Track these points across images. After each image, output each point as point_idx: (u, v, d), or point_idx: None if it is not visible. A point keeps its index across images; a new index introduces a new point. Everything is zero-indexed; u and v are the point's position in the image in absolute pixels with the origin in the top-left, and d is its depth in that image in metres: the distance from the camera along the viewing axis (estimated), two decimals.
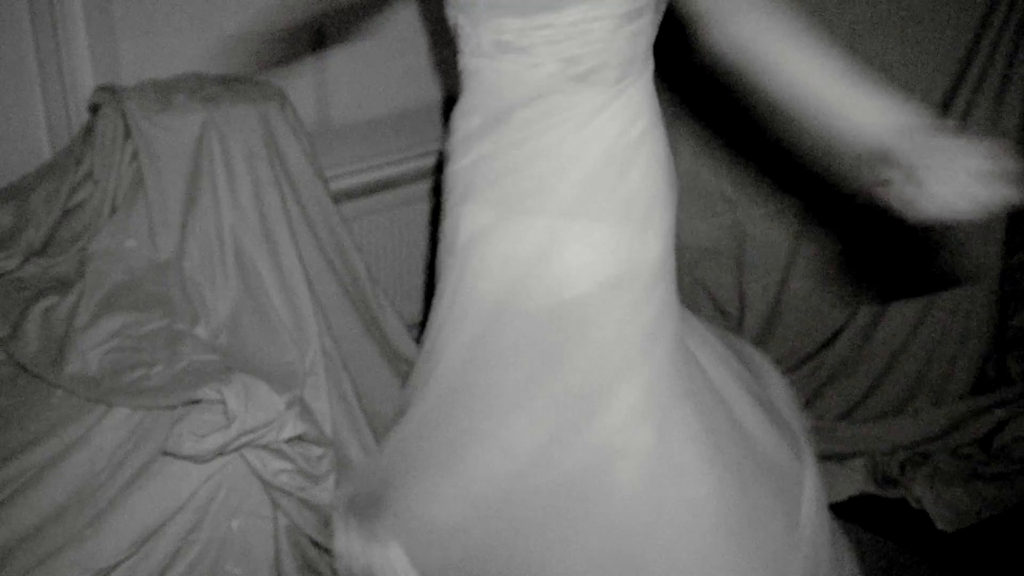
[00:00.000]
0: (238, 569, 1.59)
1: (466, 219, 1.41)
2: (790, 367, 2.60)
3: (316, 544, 1.72)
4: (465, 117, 1.40)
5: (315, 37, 2.43)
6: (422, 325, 2.84)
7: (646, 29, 1.33)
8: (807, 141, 1.18)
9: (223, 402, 1.53)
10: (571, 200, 1.35)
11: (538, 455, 1.39)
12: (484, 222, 1.39)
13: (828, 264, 2.55)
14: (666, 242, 1.40)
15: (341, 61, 2.51)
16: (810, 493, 1.52)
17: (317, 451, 1.66)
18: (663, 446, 1.37)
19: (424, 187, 2.69)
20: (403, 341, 2.21)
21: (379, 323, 2.17)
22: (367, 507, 1.52)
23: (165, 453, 1.53)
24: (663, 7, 1.34)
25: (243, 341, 1.81)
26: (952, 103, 2.41)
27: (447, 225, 1.46)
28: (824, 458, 2.36)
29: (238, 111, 1.90)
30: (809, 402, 2.54)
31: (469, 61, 1.37)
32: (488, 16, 1.30)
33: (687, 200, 2.62)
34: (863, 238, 2.44)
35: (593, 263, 1.36)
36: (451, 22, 1.38)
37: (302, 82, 2.43)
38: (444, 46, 2.70)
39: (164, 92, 1.94)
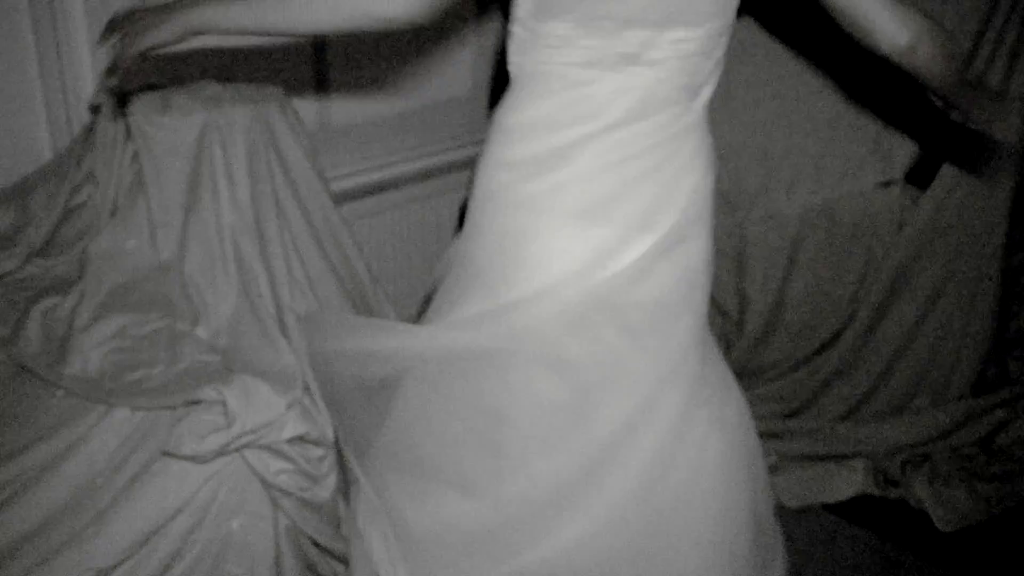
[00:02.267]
0: (239, 569, 1.59)
1: (545, 232, 1.36)
2: (790, 368, 2.60)
3: (317, 544, 1.72)
4: (552, 129, 1.33)
5: (316, 40, 2.43)
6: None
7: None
8: None
9: (224, 402, 1.53)
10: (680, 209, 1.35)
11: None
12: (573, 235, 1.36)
13: (828, 265, 2.55)
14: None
15: (341, 61, 2.51)
16: None
17: (318, 452, 1.66)
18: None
19: (424, 188, 2.70)
20: None
21: None
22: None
23: (166, 453, 1.53)
24: None
25: (243, 342, 1.81)
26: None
27: (507, 230, 1.40)
28: (824, 458, 2.37)
29: (238, 112, 1.90)
30: (809, 403, 2.54)
31: (567, 71, 1.31)
32: (618, 28, 1.26)
33: None
34: None
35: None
36: (537, 30, 1.31)
37: (303, 82, 2.44)
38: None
39: (164, 93, 1.94)
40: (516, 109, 1.37)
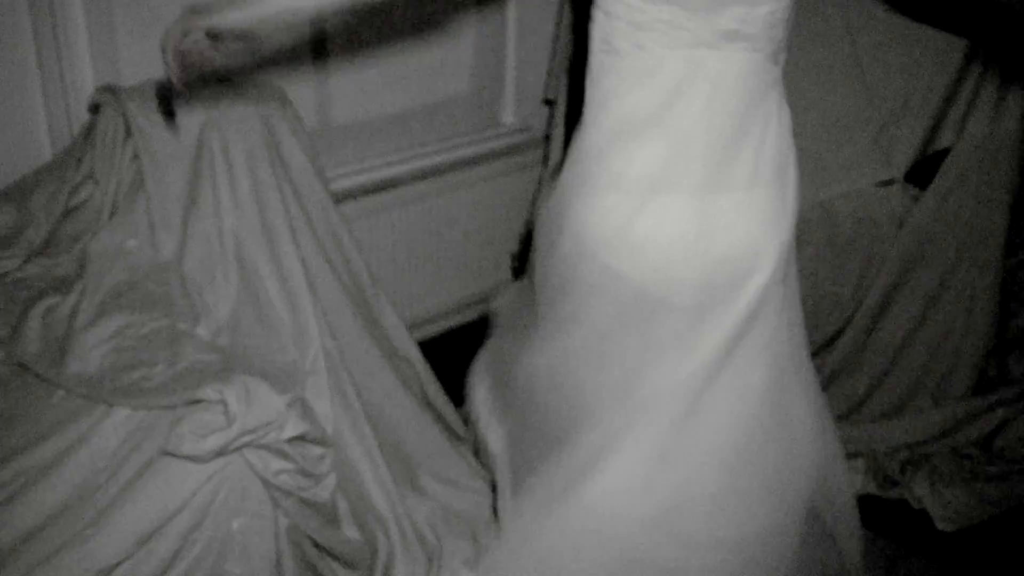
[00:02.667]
0: (239, 569, 1.59)
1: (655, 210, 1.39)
2: None
3: (317, 544, 1.72)
4: (638, 108, 1.37)
5: (316, 40, 2.43)
6: (422, 325, 2.84)
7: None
8: None
9: (224, 402, 1.53)
10: (757, 173, 1.39)
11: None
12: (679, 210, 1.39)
13: (828, 264, 2.55)
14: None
15: (341, 61, 2.51)
16: None
17: (318, 451, 1.66)
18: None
19: (424, 187, 2.69)
20: (403, 341, 2.20)
21: (379, 323, 2.17)
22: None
23: (166, 453, 1.52)
24: None
25: (243, 341, 1.81)
26: (952, 103, 2.41)
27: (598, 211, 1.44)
28: None
29: (238, 111, 1.90)
30: None
31: (665, 54, 1.34)
32: (716, 7, 1.31)
33: None
34: None
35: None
36: (637, 17, 1.35)
37: (302, 82, 2.43)
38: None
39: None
40: (619, 97, 1.39)
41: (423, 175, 2.70)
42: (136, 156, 1.88)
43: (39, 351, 1.71)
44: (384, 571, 1.84)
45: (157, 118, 1.85)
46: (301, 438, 1.62)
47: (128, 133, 1.87)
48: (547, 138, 2.92)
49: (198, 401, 1.56)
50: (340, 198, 2.39)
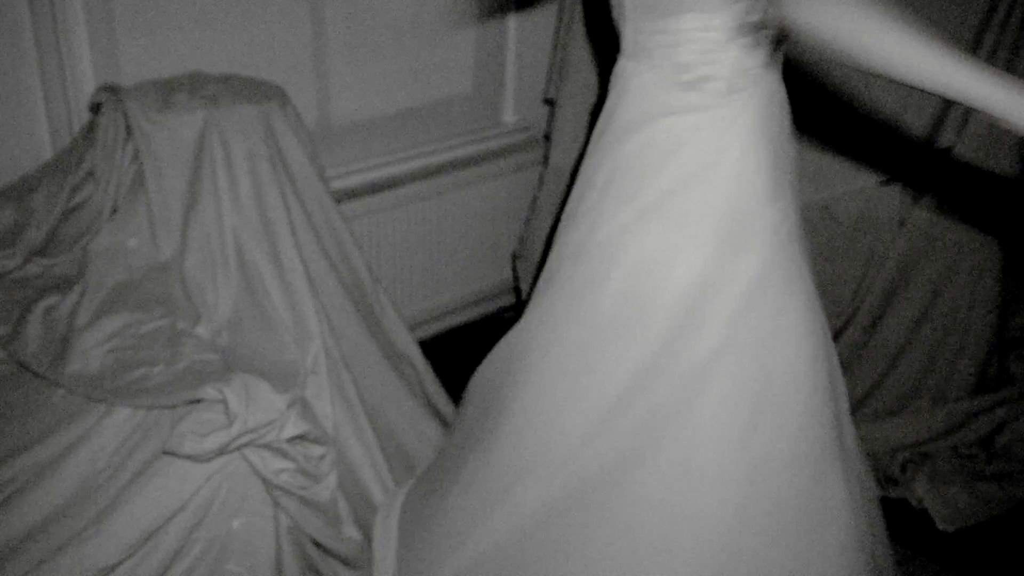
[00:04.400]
0: (239, 568, 1.59)
1: (607, 217, 1.45)
2: None
3: (317, 544, 1.72)
4: (613, 117, 1.45)
5: (316, 39, 2.43)
6: (422, 325, 2.84)
7: (763, 43, 1.34)
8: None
9: (224, 402, 1.53)
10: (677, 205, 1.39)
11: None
12: (623, 221, 1.42)
13: (829, 264, 2.55)
14: (764, 257, 1.39)
15: (341, 61, 2.51)
16: None
17: (318, 450, 1.66)
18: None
19: (425, 186, 2.69)
20: (404, 341, 2.20)
21: (380, 323, 2.16)
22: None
23: (166, 453, 1.53)
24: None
25: (244, 340, 1.81)
26: (952, 102, 2.40)
27: (583, 217, 1.49)
28: None
29: (239, 110, 1.90)
30: None
31: (620, 62, 1.45)
32: (632, 16, 1.38)
33: None
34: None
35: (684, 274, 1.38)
36: (615, 22, 1.45)
37: (302, 82, 2.43)
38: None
39: (165, 92, 1.93)
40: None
41: (423, 175, 2.70)
42: (137, 156, 1.88)
43: (39, 350, 1.71)
44: None
45: (158, 117, 1.85)
46: (302, 437, 1.62)
47: (129, 133, 1.87)
48: (547, 138, 2.92)
49: (198, 400, 1.56)
50: (340, 198, 2.39)
